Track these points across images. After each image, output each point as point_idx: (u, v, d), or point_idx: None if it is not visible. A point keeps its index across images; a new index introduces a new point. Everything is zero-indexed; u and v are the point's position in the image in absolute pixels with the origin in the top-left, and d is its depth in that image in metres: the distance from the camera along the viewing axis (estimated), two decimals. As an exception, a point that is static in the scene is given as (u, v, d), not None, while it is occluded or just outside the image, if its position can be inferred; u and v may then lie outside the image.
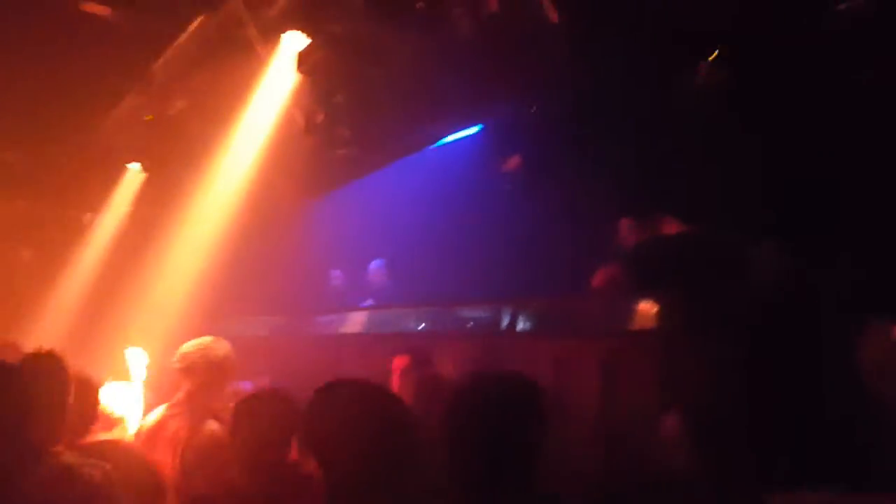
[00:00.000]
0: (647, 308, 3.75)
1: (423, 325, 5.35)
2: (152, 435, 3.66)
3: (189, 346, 3.65)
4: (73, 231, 7.27)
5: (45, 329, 6.50)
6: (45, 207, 7.25)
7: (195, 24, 5.40)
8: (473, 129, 5.13)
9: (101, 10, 5.59)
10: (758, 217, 3.49)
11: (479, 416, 1.89)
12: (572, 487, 2.20)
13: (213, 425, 3.53)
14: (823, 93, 3.11)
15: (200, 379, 3.56)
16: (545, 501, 1.91)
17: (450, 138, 5.17)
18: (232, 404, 4.39)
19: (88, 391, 3.05)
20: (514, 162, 4.49)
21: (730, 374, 3.18)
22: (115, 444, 3.19)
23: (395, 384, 3.74)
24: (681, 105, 3.50)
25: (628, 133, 3.87)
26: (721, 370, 3.24)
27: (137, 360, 3.74)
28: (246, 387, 5.44)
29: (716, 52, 3.33)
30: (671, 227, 3.83)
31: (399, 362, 3.88)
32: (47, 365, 2.70)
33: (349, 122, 4.15)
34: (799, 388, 2.87)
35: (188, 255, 6.01)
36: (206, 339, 3.68)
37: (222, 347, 3.65)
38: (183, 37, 5.58)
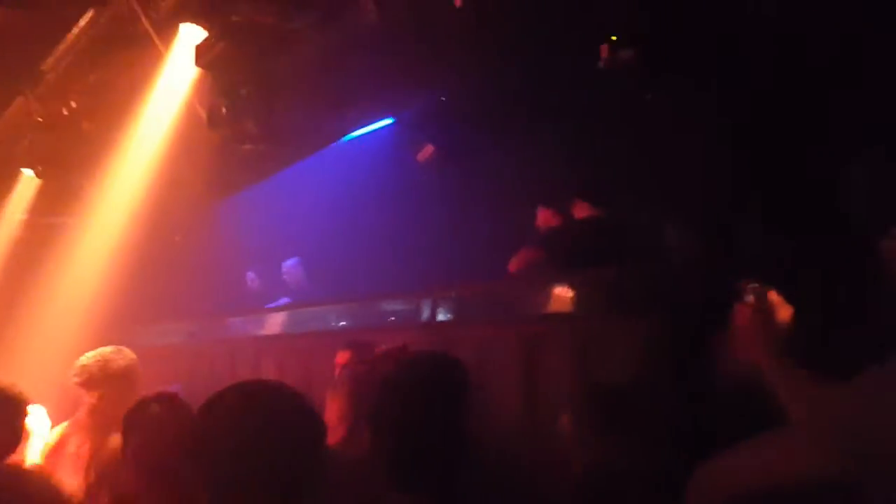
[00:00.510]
0: (563, 292, 3.77)
1: (343, 322, 5.25)
2: (53, 454, 3.47)
3: (87, 357, 3.47)
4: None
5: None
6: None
7: (85, 19, 5.14)
8: (384, 122, 5.06)
9: (-14, 10, 5.26)
10: (668, 197, 3.56)
11: (404, 396, 1.85)
12: (496, 476, 2.16)
13: (118, 440, 3.39)
14: (732, 67, 3.17)
15: (101, 392, 3.40)
16: (473, 488, 1.87)
17: (360, 131, 5.09)
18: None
19: (13, 409, 2.89)
20: (426, 152, 4.45)
21: (643, 355, 3.24)
22: (16, 468, 3.02)
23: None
24: (588, 87, 3.53)
25: (538, 118, 3.88)
26: (634, 352, 3.29)
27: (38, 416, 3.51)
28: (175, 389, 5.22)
29: (616, 35, 3.36)
30: (583, 211, 3.87)
31: (342, 358, 3.78)
32: None
33: (254, 115, 4.01)
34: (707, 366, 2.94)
35: (90, 263, 5.73)
36: (106, 350, 3.51)
37: (123, 357, 3.49)
38: (73, 34, 5.30)
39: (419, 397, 1.82)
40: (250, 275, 7.03)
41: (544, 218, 3.70)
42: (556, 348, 3.50)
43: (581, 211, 3.76)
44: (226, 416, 1.75)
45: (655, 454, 2.51)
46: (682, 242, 3.46)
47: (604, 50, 3.40)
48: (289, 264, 6.63)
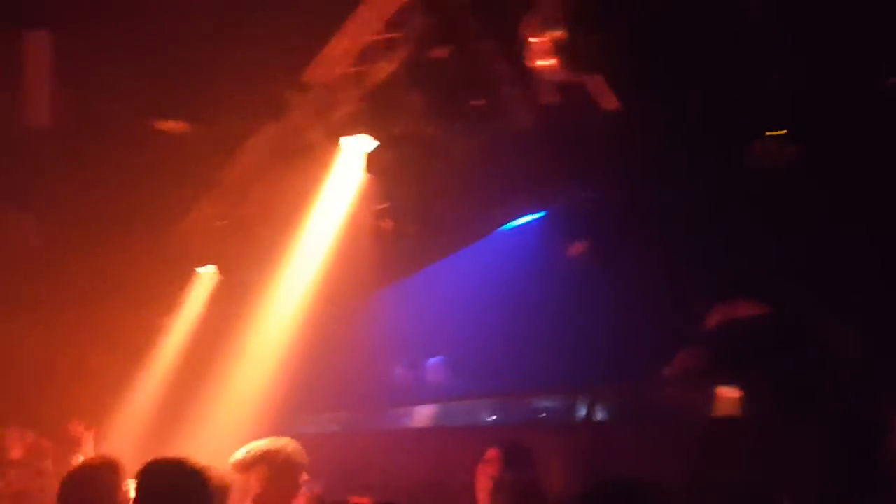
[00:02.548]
0: (730, 394, 3.61)
1: (494, 416, 5.24)
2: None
3: (250, 447, 3.64)
4: (148, 334, 7.47)
5: (122, 433, 6.60)
6: (120, 315, 7.49)
7: (259, 134, 5.66)
8: (536, 215, 5.15)
9: (172, 126, 5.91)
10: (839, 295, 3.38)
11: None
12: None
13: None
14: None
15: (264, 481, 3.53)
16: None
17: (512, 224, 5.20)
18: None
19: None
20: (579, 247, 4.48)
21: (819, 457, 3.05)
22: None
23: (479, 480, 3.60)
24: (748, 184, 3.46)
25: (694, 215, 3.83)
26: (811, 455, 3.09)
27: None
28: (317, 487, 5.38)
29: (781, 130, 3.29)
30: (748, 310, 3.73)
31: (491, 455, 3.73)
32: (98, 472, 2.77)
33: (414, 215, 4.23)
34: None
35: (260, 355, 6.10)
36: (268, 441, 3.66)
37: (285, 448, 3.61)
38: (248, 146, 5.83)
39: None
40: (400, 367, 7.18)
41: (716, 317, 3.59)
42: (725, 453, 3.34)
43: (745, 310, 3.63)
44: None
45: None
46: (848, 342, 3.27)
47: (761, 145, 3.34)
48: (433, 363, 6.72)
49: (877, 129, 3.05)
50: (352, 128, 4.49)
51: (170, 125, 5.89)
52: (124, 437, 6.56)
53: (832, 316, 3.34)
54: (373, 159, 4.26)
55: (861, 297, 3.24)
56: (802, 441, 3.20)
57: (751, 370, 3.46)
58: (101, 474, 2.99)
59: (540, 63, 3.16)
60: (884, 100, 2.97)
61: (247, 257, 6.05)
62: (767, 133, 3.33)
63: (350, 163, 4.72)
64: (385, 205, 4.40)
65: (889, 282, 3.13)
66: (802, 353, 3.39)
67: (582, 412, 4.16)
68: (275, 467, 3.63)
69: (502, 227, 5.07)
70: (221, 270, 6.47)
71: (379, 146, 4.22)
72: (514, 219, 4.92)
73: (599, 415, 4.05)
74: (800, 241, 3.49)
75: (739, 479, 3.28)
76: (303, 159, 5.16)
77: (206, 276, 6.75)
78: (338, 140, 4.74)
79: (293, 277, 5.54)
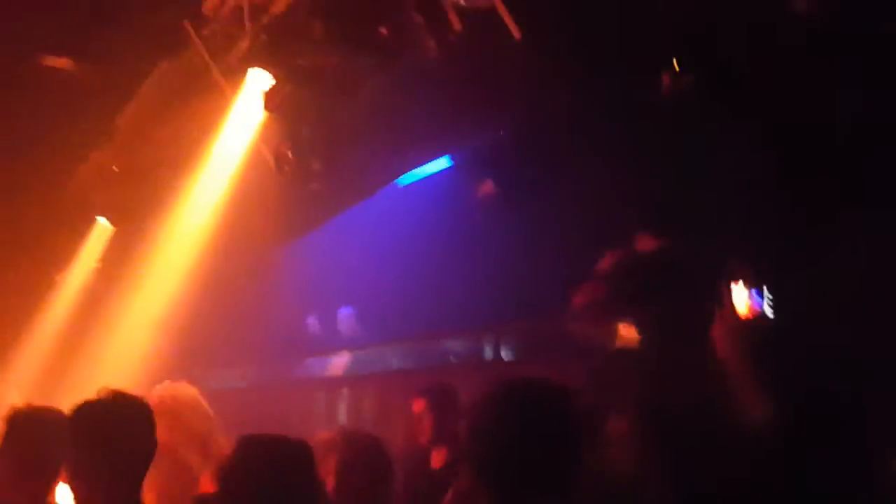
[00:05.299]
0: (628, 327, 3.69)
1: (405, 363, 5.23)
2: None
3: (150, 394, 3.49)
4: (42, 290, 7.09)
5: (15, 388, 6.27)
6: (11, 269, 7.08)
7: (157, 73, 5.37)
8: (442, 166, 5.09)
9: (63, 64, 5.54)
10: (736, 230, 3.47)
11: (511, 421, 1.81)
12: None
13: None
14: (794, 95, 3.10)
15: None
16: None
17: (420, 175, 5.13)
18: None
19: None
20: (486, 188, 4.45)
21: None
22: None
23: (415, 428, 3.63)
24: (651, 116, 3.49)
25: (600, 152, 3.85)
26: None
27: None
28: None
29: (677, 62, 3.32)
30: (647, 244, 3.79)
31: (418, 406, 3.76)
32: None
33: (318, 154, 4.09)
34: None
35: (159, 307, 5.86)
36: (169, 386, 3.51)
37: (184, 395, 3.47)
38: (145, 86, 5.53)
39: (524, 426, 1.84)
40: (311, 319, 7.07)
41: (617, 253, 3.65)
42: (622, 383, 3.40)
43: (645, 244, 3.69)
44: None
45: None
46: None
47: (666, 78, 3.36)
48: (343, 313, 6.65)
49: (771, 60, 3.12)
50: (252, 64, 4.30)
51: (61, 64, 5.54)
52: (19, 391, 6.23)
53: (729, 255, 3.43)
54: (272, 96, 4.09)
55: (761, 235, 3.34)
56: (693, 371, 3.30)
57: (650, 303, 3.52)
58: None
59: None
60: (775, 30, 3.03)
61: (145, 205, 5.78)
62: (671, 64, 3.36)
63: (252, 101, 4.53)
64: (288, 143, 4.24)
65: (790, 221, 3.22)
66: (700, 290, 3.47)
67: (489, 352, 4.18)
68: (171, 415, 3.49)
69: (412, 172, 4.98)
70: (119, 220, 6.16)
71: (280, 82, 4.05)
72: (423, 162, 4.84)
73: (505, 353, 4.07)
74: (702, 175, 3.56)
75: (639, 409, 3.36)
76: (201, 100, 4.94)
77: (103, 227, 6.42)
78: (238, 78, 4.54)
79: (194, 226, 5.32)
